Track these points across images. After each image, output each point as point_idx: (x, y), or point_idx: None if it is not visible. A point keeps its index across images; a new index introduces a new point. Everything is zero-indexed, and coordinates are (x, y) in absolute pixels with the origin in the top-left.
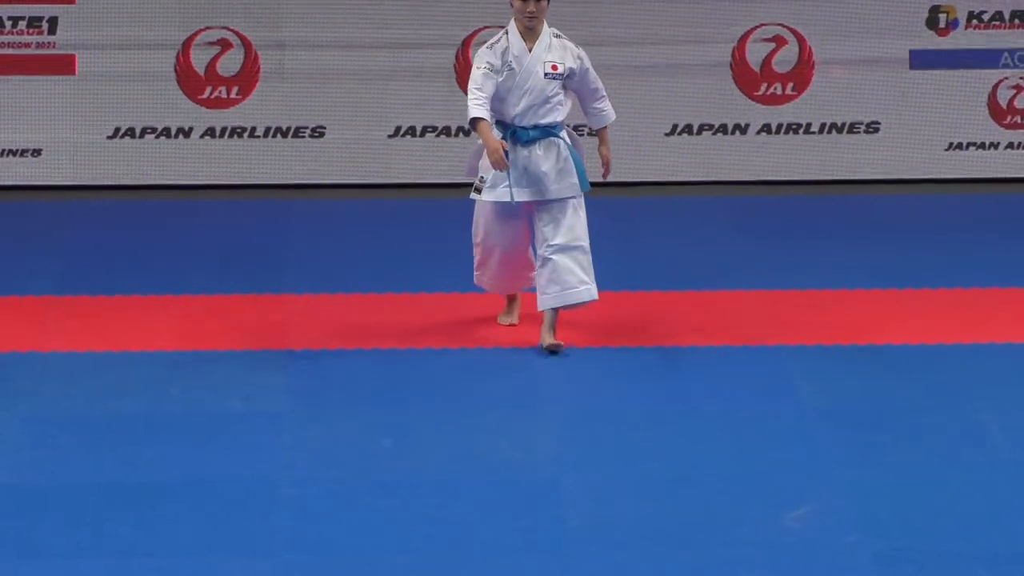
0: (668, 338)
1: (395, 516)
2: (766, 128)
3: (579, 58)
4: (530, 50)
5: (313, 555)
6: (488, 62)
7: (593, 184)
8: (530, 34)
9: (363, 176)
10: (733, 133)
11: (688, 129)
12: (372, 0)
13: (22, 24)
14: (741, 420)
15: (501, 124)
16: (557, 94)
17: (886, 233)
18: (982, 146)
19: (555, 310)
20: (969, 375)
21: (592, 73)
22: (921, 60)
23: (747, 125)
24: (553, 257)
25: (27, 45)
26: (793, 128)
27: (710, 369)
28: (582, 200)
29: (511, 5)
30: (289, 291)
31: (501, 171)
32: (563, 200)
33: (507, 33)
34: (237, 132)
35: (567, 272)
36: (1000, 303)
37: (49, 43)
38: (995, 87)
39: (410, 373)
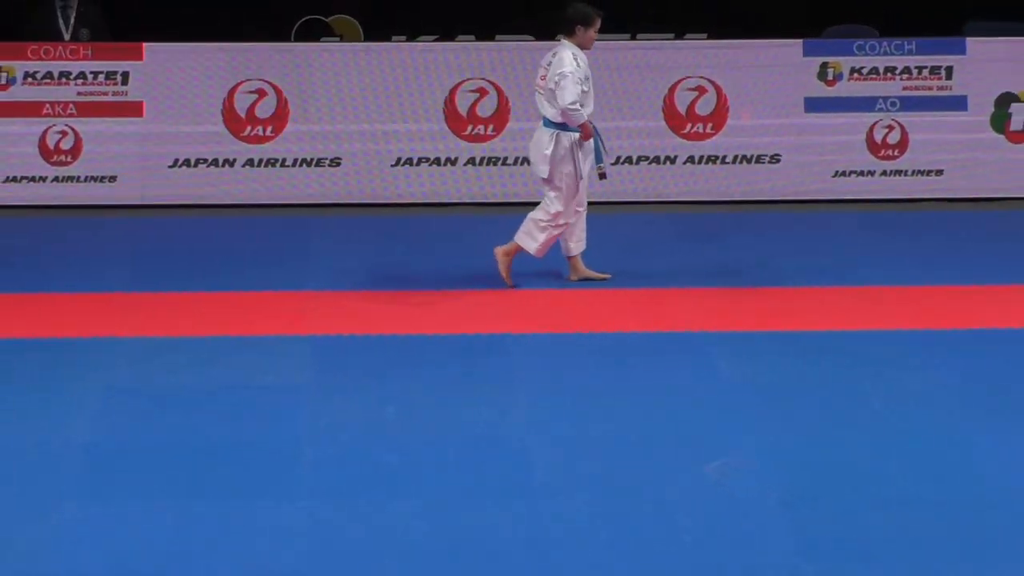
0: (617, 325)
1: (395, 469)
2: (691, 159)
3: None
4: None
5: (328, 500)
6: (578, 79)
7: None
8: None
9: (371, 197)
10: (664, 163)
11: (629, 160)
12: (378, 56)
13: (101, 77)
14: (673, 391)
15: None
16: None
17: (787, 243)
18: (862, 174)
19: None
20: (860, 355)
21: None
22: (813, 105)
23: (675, 157)
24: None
25: (105, 93)
26: (712, 159)
27: (650, 350)
28: None
29: (575, 31)
30: (311, 288)
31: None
32: None
33: (575, 55)
34: (271, 162)
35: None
36: (882, 297)
37: (123, 92)
38: (872, 127)
39: (410, 354)
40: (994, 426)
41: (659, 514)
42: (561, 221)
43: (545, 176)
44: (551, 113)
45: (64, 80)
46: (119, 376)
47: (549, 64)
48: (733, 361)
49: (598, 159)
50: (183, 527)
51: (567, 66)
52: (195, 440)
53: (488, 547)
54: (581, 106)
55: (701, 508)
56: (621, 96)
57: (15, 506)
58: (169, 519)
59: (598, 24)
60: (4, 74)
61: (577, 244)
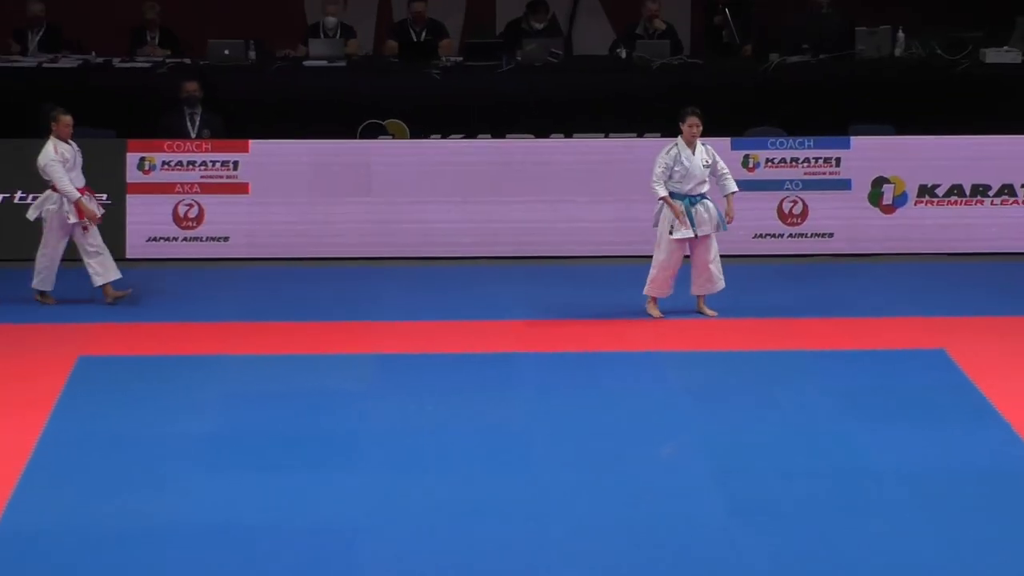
0: (592, 345)
1: (432, 449)
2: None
3: (712, 154)
4: (693, 153)
5: (385, 471)
6: (665, 164)
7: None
8: (691, 144)
9: (414, 252)
10: (628, 227)
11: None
12: (420, 148)
13: (218, 164)
14: (635, 394)
15: (678, 195)
16: (706, 178)
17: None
18: (774, 236)
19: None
20: (769, 369)
21: (720, 163)
22: (739, 185)
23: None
24: (711, 266)
25: (221, 176)
26: None
27: (618, 364)
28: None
29: (680, 129)
30: (377, 319)
31: (682, 221)
32: (709, 234)
33: (676, 145)
34: (343, 223)
35: (716, 274)
36: (787, 326)
37: (234, 175)
38: (781, 201)
39: (445, 367)
40: (867, 418)
41: (625, 483)
42: (660, 259)
43: (653, 226)
44: None
45: (191, 167)
46: (229, 382)
47: None
48: (678, 372)
49: (692, 223)
50: (273, 492)
51: (659, 155)
52: (284, 428)
53: (498, 506)
54: (679, 183)
55: (656, 479)
56: (597, 178)
57: (148, 478)
58: (263, 486)
59: (689, 120)
60: (147, 162)
61: (697, 288)
